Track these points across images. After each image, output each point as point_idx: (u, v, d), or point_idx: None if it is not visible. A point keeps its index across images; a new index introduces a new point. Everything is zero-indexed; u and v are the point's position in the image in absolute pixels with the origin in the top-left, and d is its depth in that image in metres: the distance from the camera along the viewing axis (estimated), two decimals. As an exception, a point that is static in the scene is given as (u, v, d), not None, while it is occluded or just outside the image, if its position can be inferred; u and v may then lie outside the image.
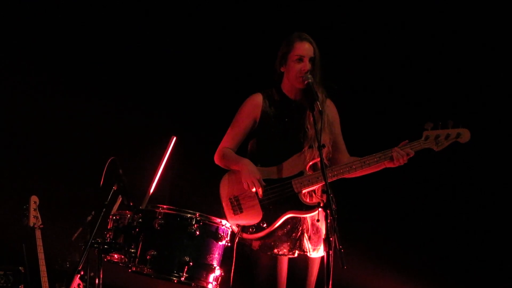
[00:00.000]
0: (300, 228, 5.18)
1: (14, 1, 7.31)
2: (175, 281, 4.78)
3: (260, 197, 5.11)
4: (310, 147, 5.19)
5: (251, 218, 5.15)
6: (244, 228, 5.14)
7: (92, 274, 5.21)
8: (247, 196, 5.17)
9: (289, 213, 5.14)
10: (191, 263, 4.75)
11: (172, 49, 7.53)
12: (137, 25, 7.51)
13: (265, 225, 5.12)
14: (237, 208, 5.17)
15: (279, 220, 5.13)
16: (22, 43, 7.27)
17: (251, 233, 5.13)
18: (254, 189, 5.09)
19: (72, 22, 7.38)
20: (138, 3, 7.53)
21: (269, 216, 5.13)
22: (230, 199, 5.20)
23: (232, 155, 5.33)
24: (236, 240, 5.10)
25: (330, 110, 5.36)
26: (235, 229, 5.14)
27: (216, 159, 5.40)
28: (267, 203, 5.13)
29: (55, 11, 7.33)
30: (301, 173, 5.17)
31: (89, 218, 6.49)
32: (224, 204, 5.22)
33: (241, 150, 5.41)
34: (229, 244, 5.01)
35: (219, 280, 4.95)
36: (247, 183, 5.10)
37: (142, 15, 7.53)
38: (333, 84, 5.31)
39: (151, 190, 5.13)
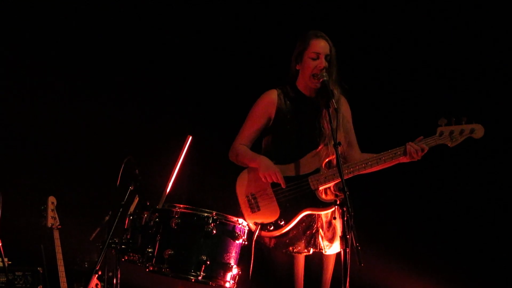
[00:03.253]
0: (315, 225, 5.19)
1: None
2: (193, 280, 4.77)
3: (283, 187, 5.10)
4: (326, 144, 5.19)
5: (268, 216, 5.15)
6: (262, 226, 5.15)
7: (110, 274, 5.21)
8: (264, 194, 5.18)
9: (306, 210, 5.14)
10: (208, 262, 4.74)
11: (187, 48, 7.54)
12: (153, 24, 7.52)
13: (283, 222, 5.12)
14: (255, 206, 5.18)
15: (297, 218, 5.13)
16: (38, 43, 7.30)
17: (269, 231, 5.13)
18: (272, 180, 5.09)
19: (89, 22, 7.41)
20: (152, 2, 7.55)
21: (287, 214, 5.14)
22: (247, 197, 5.21)
23: (248, 152, 5.32)
24: (254, 239, 5.10)
25: (342, 107, 5.34)
26: (253, 227, 5.15)
27: (231, 156, 5.40)
28: (284, 200, 5.14)
29: (73, 9, 7.36)
30: (317, 170, 5.17)
31: (107, 218, 6.51)
32: (241, 202, 5.22)
33: (255, 147, 5.41)
34: (246, 242, 5.00)
35: (237, 278, 4.94)
36: (265, 176, 5.10)
37: (157, 14, 7.54)
38: (344, 83, 5.32)
39: (168, 190, 5.12)
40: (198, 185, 7.29)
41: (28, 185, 7.15)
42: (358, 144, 5.46)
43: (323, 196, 5.17)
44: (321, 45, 5.25)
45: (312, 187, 5.14)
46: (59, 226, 6.60)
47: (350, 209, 4.58)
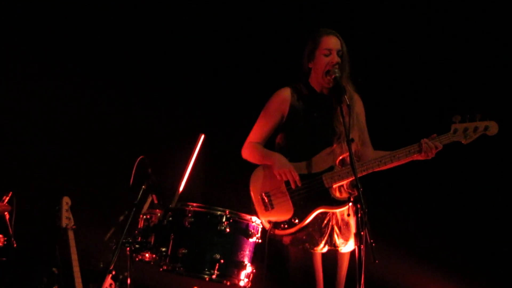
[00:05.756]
0: (331, 223, 5.17)
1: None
2: (207, 279, 4.79)
3: (299, 185, 5.08)
4: (339, 142, 5.17)
5: (282, 214, 5.14)
6: (276, 224, 5.13)
7: (126, 274, 5.21)
8: (278, 192, 5.16)
9: (320, 208, 5.12)
10: (222, 261, 4.76)
11: (199, 47, 7.54)
12: (166, 22, 7.53)
13: (296, 220, 5.11)
14: (269, 204, 5.17)
15: (311, 216, 5.11)
16: (50, 42, 7.32)
17: (283, 229, 5.12)
18: (287, 179, 5.07)
19: (101, 21, 7.42)
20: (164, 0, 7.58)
21: (301, 212, 5.12)
22: (261, 195, 5.19)
23: (262, 150, 5.32)
24: (268, 237, 5.09)
25: (356, 104, 5.33)
26: (266, 225, 5.13)
27: (244, 154, 5.39)
28: (298, 198, 5.12)
29: (88, 9, 7.39)
30: (331, 168, 5.15)
31: (121, 217, 6.52)
32: (255, 201, 5.21)
33: (268, 144, 5.39)
34: (259, 240, 5.00)
35: (251, 277, 4.95)
36: (280, 174, 5.09)
37: (170, 12, 7.55)
38: (359, 78, 5.30)
39: (181, 189, 5.13)
40: (211, 183, 7.29)
41: (43, 186, 7.16)
42: (375, 142, 5.44)
43: (337, 194, 5.15)
44: (332, 41, 5.26)
45: (326, 185, 5.12)
46: (74, 227, 6.61)
47: (363, 206, 4.56)
